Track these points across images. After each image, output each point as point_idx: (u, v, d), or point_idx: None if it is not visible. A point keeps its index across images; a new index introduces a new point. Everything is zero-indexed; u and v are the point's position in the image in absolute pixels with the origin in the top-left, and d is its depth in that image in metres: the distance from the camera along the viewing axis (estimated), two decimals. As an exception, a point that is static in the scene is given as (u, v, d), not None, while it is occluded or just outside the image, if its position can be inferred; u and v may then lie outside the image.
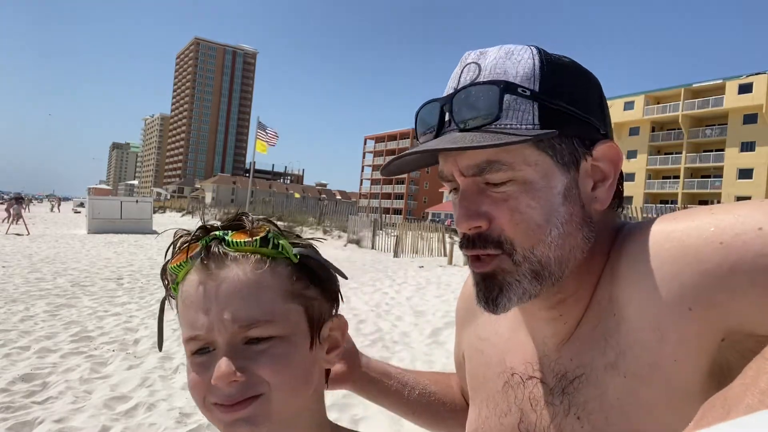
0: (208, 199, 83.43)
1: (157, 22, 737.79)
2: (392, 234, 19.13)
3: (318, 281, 0.66)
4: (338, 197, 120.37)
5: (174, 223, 30.58)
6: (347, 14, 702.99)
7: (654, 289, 0.55)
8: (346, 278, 0.71)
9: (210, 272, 0.59)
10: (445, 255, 17.00)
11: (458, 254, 16.41)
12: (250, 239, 0.62)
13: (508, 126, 0.59)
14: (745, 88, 51.59)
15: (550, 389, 0.65)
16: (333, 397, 3.91)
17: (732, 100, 52.23)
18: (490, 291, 0.63)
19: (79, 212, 40.74)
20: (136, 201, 24.14)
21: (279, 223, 0.71)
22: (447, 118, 0.63)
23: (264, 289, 0.60)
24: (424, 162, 0.70)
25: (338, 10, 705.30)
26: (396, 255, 17.03)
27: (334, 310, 0.69)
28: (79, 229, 21.94)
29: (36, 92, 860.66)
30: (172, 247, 0.65)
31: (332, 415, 3.61)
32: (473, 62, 0.64)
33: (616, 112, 60.66)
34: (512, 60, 0.62)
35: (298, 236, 0.69)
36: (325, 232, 21.70)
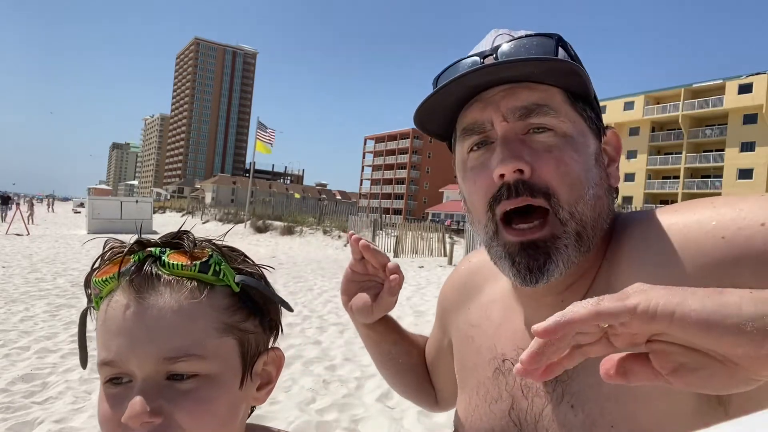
0: (208, 200, 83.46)
1: (157, 22, 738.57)
2: (392, 234, 19.11)
3: (259, 312, 0.60)
4: (338, 197, 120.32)
5: (174, 222, 30.50)
6: (348, 14, 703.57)
7: (654, 281, 0.55)
8: (291, 310, 0.66)
9: (139, 295, 0.53)
10: (445, 255, 17.00)
11: (458, 254, 16.39)
12: (188, 263, 0.55)
13: None
14: (745, 88, 51.63)
15: None
16: (333, 397, 3.92)
17: (732, 100, 52.26)
18: (535, 259, 0.60)
19: (79, 212, 40.72)
20: (136, 201, 24.16)
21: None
22: None
23: (196, 321, 0.54)
24: (452, 110, 0.67)
25: (339, 10, 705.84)
26: (396, 255, 17.01)
27: (271, 342, 0.64)
28: (79, 230, 21.93)
29: (36, 93, 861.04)
30: (100, 257, 0.59)
31: (332, 415, 3.63)
32: (505, 33, 0.65)
33: (616, 112, 60.69)
34: (542, 37, 0.64)
35: (245, 259, 0.62)
36: (325, 232, 21.66)
